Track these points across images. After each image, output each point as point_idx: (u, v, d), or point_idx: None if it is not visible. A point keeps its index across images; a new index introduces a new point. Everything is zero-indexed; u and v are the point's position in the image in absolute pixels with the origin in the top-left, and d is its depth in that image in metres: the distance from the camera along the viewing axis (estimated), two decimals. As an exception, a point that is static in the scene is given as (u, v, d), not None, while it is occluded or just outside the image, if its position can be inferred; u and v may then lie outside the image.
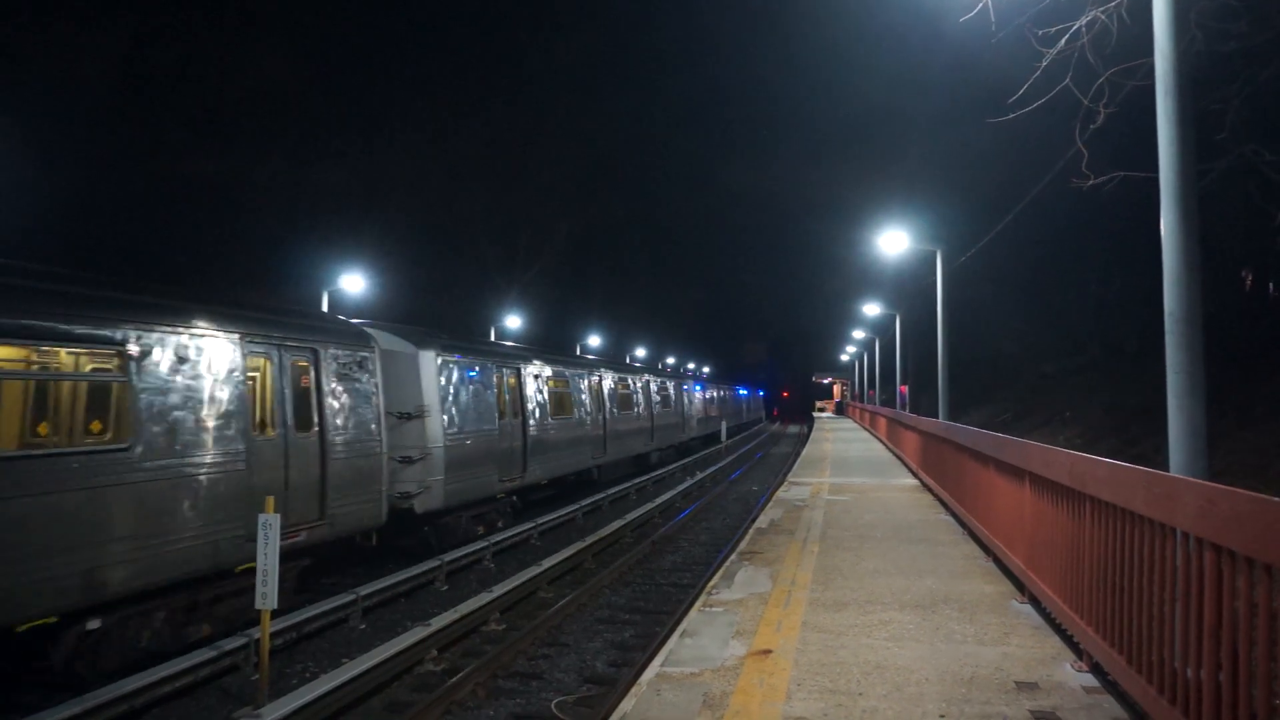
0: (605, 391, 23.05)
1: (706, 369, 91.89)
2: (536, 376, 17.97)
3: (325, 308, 24.79)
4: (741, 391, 66.83)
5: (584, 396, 20.93)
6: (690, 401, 36.32)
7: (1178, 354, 5.74)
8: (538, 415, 17.63)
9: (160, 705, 7.25)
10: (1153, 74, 6.04)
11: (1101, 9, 7.11)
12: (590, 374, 22.08)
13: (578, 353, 46.02)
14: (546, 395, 18.23)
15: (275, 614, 7.58)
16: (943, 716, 4.73)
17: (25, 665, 7.30)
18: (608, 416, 22.82)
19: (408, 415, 12.83)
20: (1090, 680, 5.24)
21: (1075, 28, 7.29)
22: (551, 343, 49.50)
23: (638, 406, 26.62)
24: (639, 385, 27.06)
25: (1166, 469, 5.62)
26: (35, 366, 7.45)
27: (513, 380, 16.89)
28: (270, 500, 7.22)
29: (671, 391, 32.51)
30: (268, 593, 6.99)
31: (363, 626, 9.77)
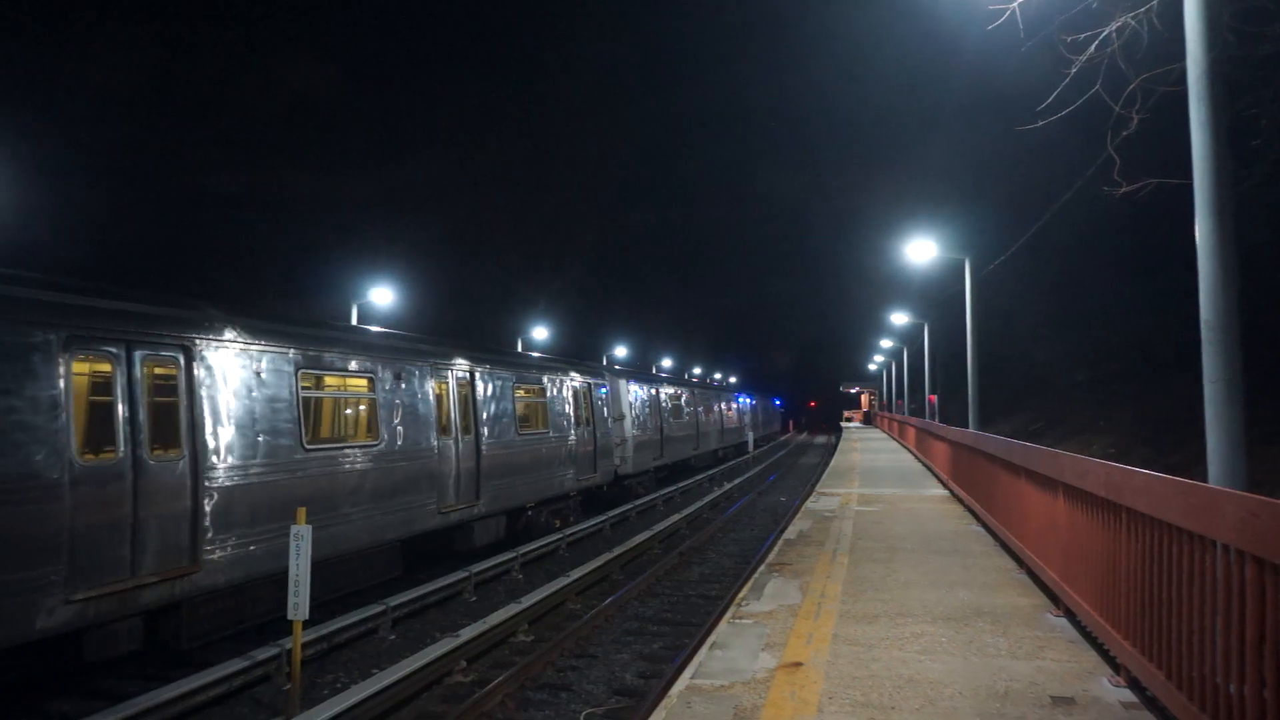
0: (244, 392, 8.81)
1: (733, 379, 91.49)
2: None
3: (354, 319, 25.06)
4: (743, 400, 49.37)
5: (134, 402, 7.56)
6: (618, 415, 22.44)
7: (1215, 363, 5.65)
8: None
9: (194, 714, 7.33)
10: (1185, 79, 5.97)
11: (1132, 14, 7.04)
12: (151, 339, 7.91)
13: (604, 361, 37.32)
14: None
15: (307, 624, 7.66)
16: (977, 731, 4.67)
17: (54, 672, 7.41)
18: (279, 454, 9.16)
19: None
20: (1128, 695, 5.14)
21: (1105, 34, 7.22)
22: (571, 351, 48.64)
23: (420, 424, 11.93)
24: (427, 384, 12.31)
25: (1204, 479, 5.52)
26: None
27: None
28: (301, 511, 7.30)
29: (558, 396, 17.50)
30: (299, 603, 7.05)
31: (392, 637, 9.82)
